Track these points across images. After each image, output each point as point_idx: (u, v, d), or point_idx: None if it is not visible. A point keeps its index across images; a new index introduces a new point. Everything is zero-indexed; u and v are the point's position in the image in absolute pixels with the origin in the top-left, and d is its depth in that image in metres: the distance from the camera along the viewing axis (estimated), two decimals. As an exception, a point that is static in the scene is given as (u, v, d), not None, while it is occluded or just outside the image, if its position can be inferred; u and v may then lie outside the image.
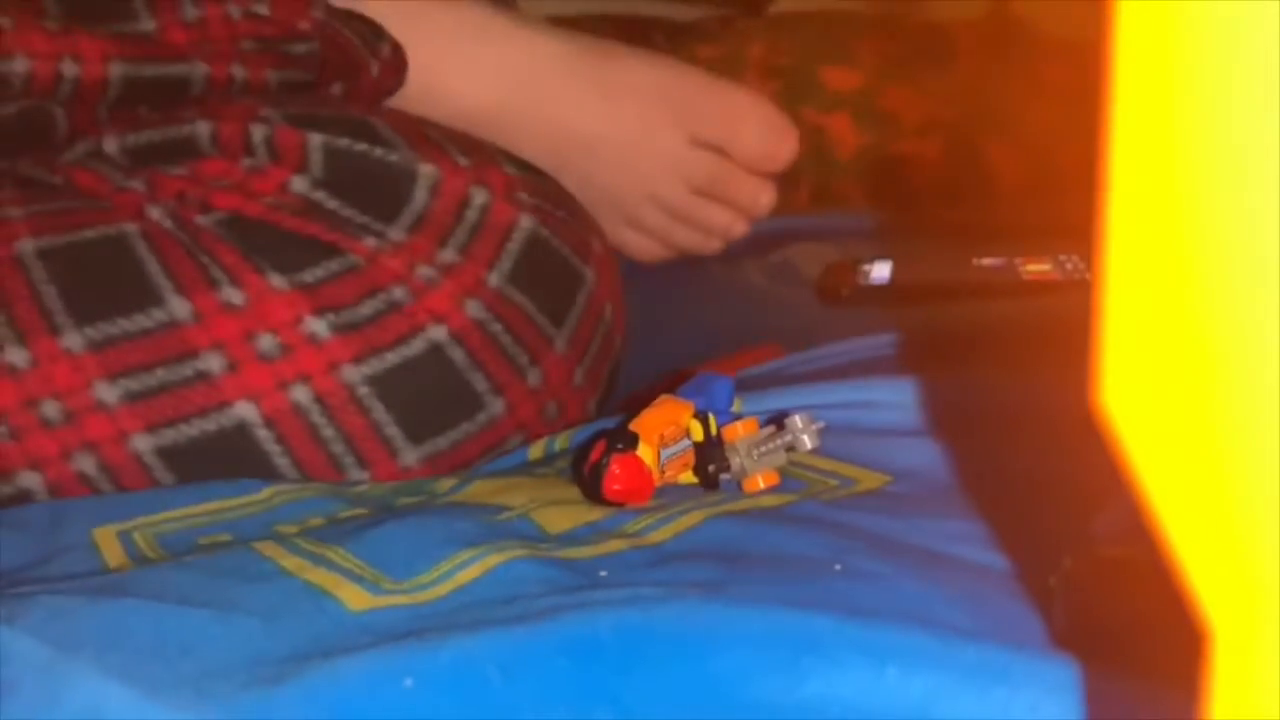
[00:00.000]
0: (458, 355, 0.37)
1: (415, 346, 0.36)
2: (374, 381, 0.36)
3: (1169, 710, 0.18)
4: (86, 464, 0.34)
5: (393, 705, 0.20)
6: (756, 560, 0.26)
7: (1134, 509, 0.14)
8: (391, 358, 0.36)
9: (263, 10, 0.41)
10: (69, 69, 0.38)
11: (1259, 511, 0.13)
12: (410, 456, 0.37)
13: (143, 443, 0.34)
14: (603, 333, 0.41)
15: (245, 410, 0.35)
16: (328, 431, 0.36)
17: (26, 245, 0.35)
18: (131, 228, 0.36)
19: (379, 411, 0.36)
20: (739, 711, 0.21)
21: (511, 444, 0.38)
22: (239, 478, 0.34)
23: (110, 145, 0.39)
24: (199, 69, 0.40)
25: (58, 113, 0.39)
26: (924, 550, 0.26)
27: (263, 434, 0.35)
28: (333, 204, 0.37)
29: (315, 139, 0.38)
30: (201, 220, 0.37)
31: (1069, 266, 0.50)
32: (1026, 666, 0.21)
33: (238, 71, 0.40)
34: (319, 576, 0.25)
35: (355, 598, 0.24)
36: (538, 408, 0.39)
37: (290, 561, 0.26)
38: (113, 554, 0.29)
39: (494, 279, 0.38)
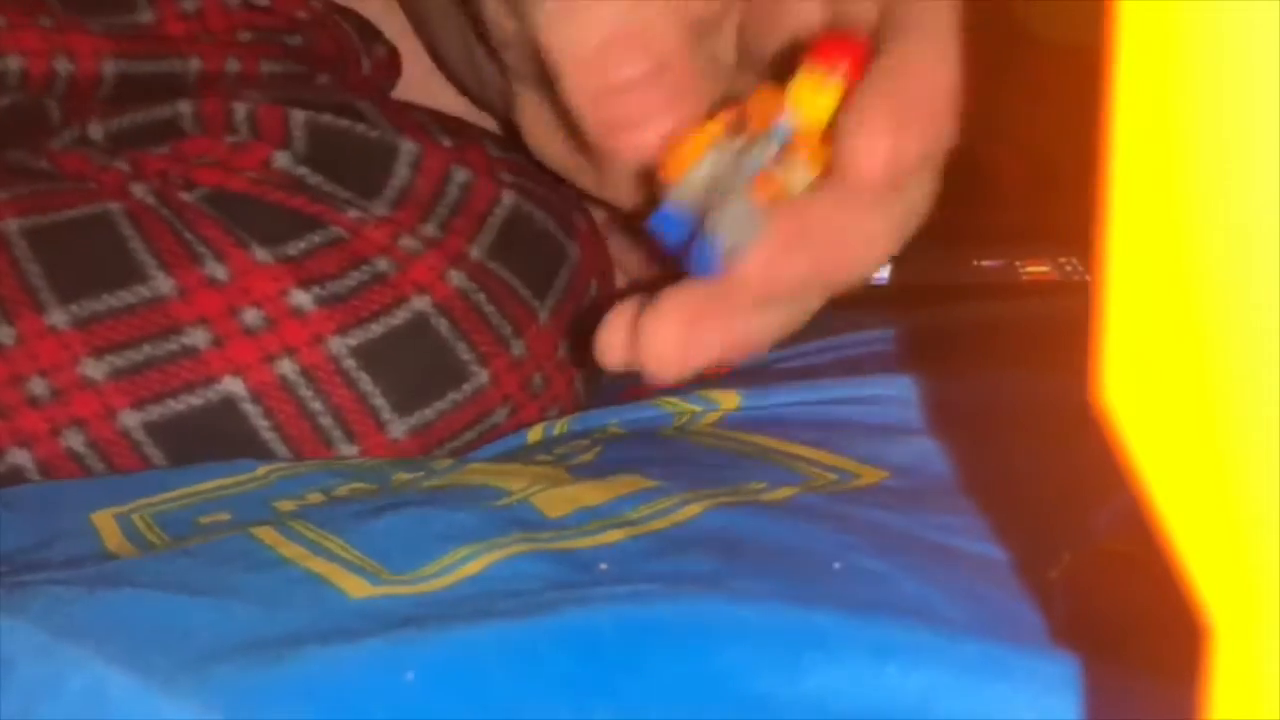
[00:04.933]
0: (442, 325, 0.37)
1: (399, 316, 0.37)
2: (359, 353, 0.36)
3: (1169, 706, 0.17)
4: (75, 441, 0.34)
5: (392, 697, 0.20)
6: (756, 555, 0.26)
7: (1134, 504, 0.14)
8: (376, 328, 0.36)
9: (261, 0, 0.42)
10: (63, 66, 0.38)
11: (1260, 506, 0.13)
12: (398, 429, 0.37)
13: (130, 419, 0.35)
14: (588, 308, 0.42)
15: (232, 385, 0.35)
16: (315, 405, 0.36)
17: (10, 225, 0.35)
18: (115, 206, 0.36)
19: (365, 383, 0.36)
20: (739, 706, 0.21)
21: (498, 416, 0.39)
22: (227, 452, 0.34)
23: (95, 131, 0.39)
24: (193, 65, 0.40)
25: (51, 106, 0.39)
26: (924, 545, 0.26)
27: (250, 409, 0.35)
28: (315, 179, 0.38)
29: (298, 115, 0.38)
30: (185, 196, 0.37)
31: (1068, 269, 0.50)
32: (1027, 662, 0.21)
33: (232, 65, 0.40)
34: (319, 565, 0.25)
35: (355, 586, 0.24)
36: (523, 379, 0.39)
37: (290, 550, 0.26)
38: (111, 537, 0.29)
39: (476, 252, 0.38)
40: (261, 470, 0.32)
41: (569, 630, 0.22)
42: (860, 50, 0.26)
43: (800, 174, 0.26)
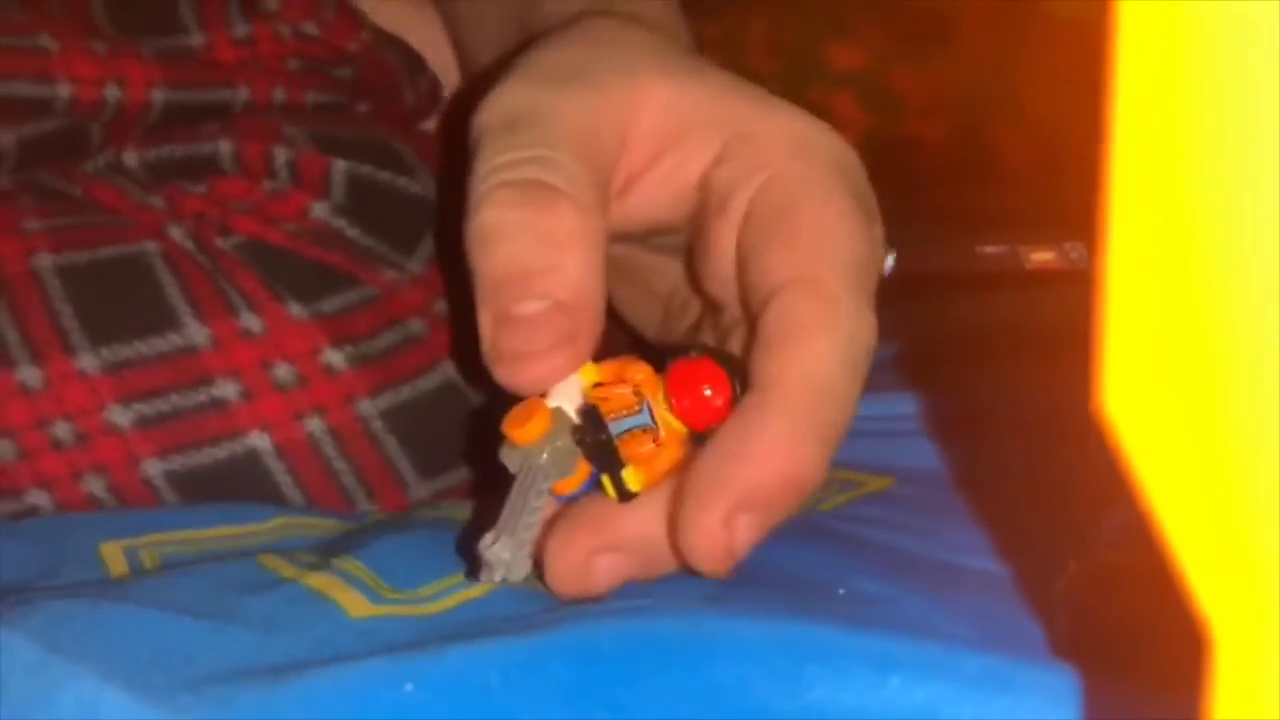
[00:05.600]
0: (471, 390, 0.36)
1: (432, 380, 0.36)
2: (388, 415, 0.36)
3: (1172, 716, 0.17)
4: (95, 486, 0.34)
5: (391, 710, 0.20)
6: (758, 575, 0.25)
7: (1137, 513, 0.14)
8: (407, 391, 0.36)
9: (312, 30, 0.40)
10: (112, 93, 0.37)
11: (1264, 516, 0.13)
12: (421, 490, 0.36)
13: (153, 467, 0.34)
14: None
15: (258, 440, 0.35)
16: (339, 464, 0.35)
17: (44, 260, 0.35)
18: (152, 246, 0.36)
19: (392, 445, 0.36)
20: (739, 718, 0.21)
21: None
22: (247, 503, 0.34)
23: (130, 159, 0.38)
24: (241, 93, 0.39)
25: (95, 130, 0.38)
26: (928, 562, 0.26)
27: (274, 464, 0.35)
28: (353, 232, 0.37)
29: (339, 165, 0.37)
30: (221, 243, 0.36)
31: (1073, 255, 0.50)
32: (1029, 676, 0.21)
33: (279, 94, 0.39)
34: (319, 581, 0.25)
35: (355, 604, 0.24)
36: None
37: (291, 570, 0.26)
38: (117, 569, 0.28)
39: None
40: (272, 523, 0.32)
41: (568, 643, 0.22)
42: (721, 389, 0.26)
43: (635, 473, 0.25)
